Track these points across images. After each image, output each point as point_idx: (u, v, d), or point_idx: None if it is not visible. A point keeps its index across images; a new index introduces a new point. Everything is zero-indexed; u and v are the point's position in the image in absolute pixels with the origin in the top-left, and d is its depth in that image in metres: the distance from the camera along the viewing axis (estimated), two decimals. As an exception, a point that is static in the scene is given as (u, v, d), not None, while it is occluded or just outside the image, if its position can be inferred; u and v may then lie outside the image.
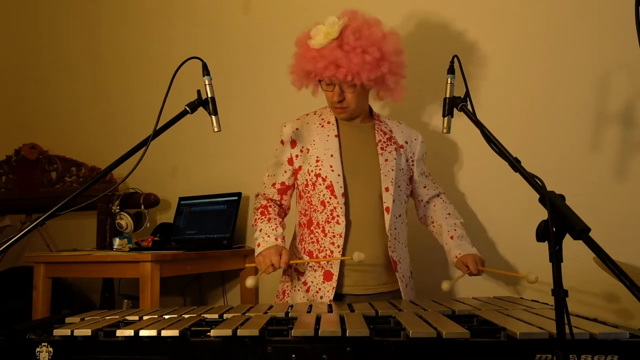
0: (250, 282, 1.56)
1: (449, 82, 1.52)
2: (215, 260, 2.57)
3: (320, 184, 1.78)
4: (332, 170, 1.77)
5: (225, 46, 2.90)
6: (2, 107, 3.62)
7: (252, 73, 2.85)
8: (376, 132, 1.86)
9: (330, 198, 1.76)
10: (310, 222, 1.81)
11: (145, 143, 1.40)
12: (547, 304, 1.46)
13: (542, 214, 0.96)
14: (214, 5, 2.99)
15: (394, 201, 1.78)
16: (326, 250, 1.75)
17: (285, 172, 1.87)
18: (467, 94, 1.47)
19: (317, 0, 2.66)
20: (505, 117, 2.25)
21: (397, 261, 1.80)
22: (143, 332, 1.17)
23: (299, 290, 1.81)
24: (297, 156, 1.84)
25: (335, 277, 1.73)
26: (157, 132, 1.43)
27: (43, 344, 1.19)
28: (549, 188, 1.04)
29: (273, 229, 1.79)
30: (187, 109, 1.49)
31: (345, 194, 1.76)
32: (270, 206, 1.88)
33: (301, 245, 1.84)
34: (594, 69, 2.13)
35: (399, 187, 1.82)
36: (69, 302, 2.82)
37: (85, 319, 1.39)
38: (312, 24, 1.75)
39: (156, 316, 1.37)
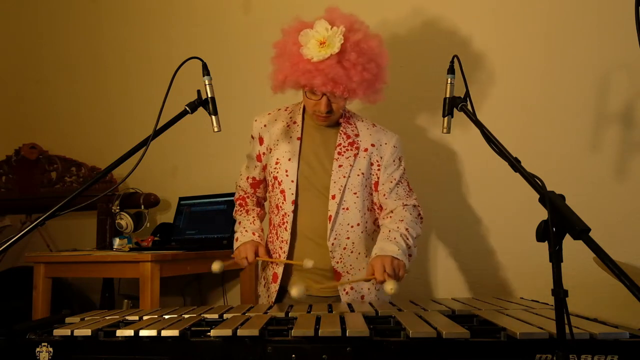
0: (215, 266, 1.62)
1: (448, 82, 1.51)
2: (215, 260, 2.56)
3: (277, 187, 1.77)
4: (287, 176, 1.74)
5: (225, 46, 2.90)
6: (2, 107, 3.62)
7: (252, 73, 2.84)
8: (339, 135, 1.77)
9: (283, 203, 1.75)
10: (270, 221, 1.85)
11: (145, 143, 1.40)
12: (547, 304, 1.46)
13: (542, 214, 0.96)
14: (214, 5, 2.99)
15: (346, 209, 1.71)
16: (276, 252, 1.78)
17: (256, 167, 1.87)
18: (467, 94, 1.47)
19: (317, 0, 2.66)
20: (505, 117, 2.25)
21: (342, 273, 1.72)
22: (143, 332, 1.17)
23: (263, 284, 1.87)
24: (263, 154, 1.83)
25: (278, 280, 1.76)
26: (157, 132, 1.43)
27: (43, 344, 1.19)
28: (549, 188, 1.04)
29: (250, 222, 1.83)
30: (187, 109, 1.49)
31: (296, 202, 1.74)
32: (248, 197, 1.92)
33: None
34: (594, 69, 2.13)
35: (355, 194, 1.72)
36: (69, 302, 2.82)
37: (85, 319, 1.39)
38: (297, 23, 1.68)
39: (156, 316, 1.37)
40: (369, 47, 1.62)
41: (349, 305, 1.50)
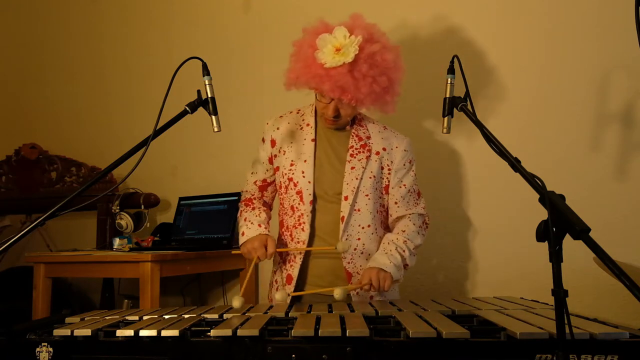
0: (237, 303, 1.43)
1: (448, 82, 1.51)
2: (215, 260, 2.57)
3: (291, 189, 1.77)
4: (304, 177, 1.75)
5: (225, 46, 2.90)
6: (2, 107, 3.62)
7: (252, 73, 2.85)
8: (351, 137, 1.79)
9: (299, 204, 1.75)
10: (282, 223, 1.83)
11: (145, 143, 1.40)
12: (547, 304, 1.46)
13: (542, 214, 0.96)
14: (214, 5, 2.99)
15: (358, 210, 1.73)
16: (291, 254, 1.77)
17: (267, 170, 1.86)
18: (467, 94, 1.47)
19: (317, 0, 2.67)
20: (505, 117, 2.25)
21: (353, 273, 1.73)
22: (143, 332, 1.17)
23: (272, 285, 1.86)
24: (275, 156, 1.83)
25: (293, 282, 1.74)
26: (157, 132, 1.43)
27: (43, 344, 1.19)
28: (549, 188, 1.04)
29: (256, 215, 1.78)
30: (187, 109, 1.49)
31: (313, 202, 1.74)
32: (255, 199, 1.88)
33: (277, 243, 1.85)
34: (594, 69, 2.13)
35: (366, 196, 1.75)
36: (69, 302, 2.82)
37: (85, 319, 1.39)
38: (313, 22, 1.69)
39: (156, 316, 1.37)
40: (383, 60, 1.63)
41: (349, 305, 1.50)
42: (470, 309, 1.36)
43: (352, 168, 1.75)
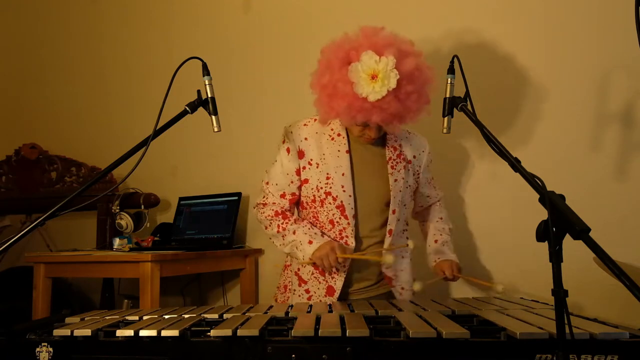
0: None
1: (448, 82, 1.51)
2: (215, 260, 2.57)
3: (330, 203, 1.71)
4: (344, 191, 1.70)
5: (225, 46, 2.90)
6: (2, 107, 3.62)
7: (252, 73, 2.85)
8: (387, 148, 1.77)
9: (340, 218, 1.71)
10: None
11: (145, 143, 1.40)
12: (547, 304, 1.46)
13: (542, 214, 0.96)
14: (214, 5, 2.99)
15: (398, 220, 1.76)
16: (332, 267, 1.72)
17: (293, 182, 1.78)
18: (467, 94, 1.47)
19: (317, 0, 2.67)
20: (505, 117, 2.24)
21: (392, 277, 1.79)
22: (143, 332, 1.17)
23: (299, 295, 1.79)
24: (304, 168, 1.75)
25: (336, 294, 1.72)
26: (157, 132, 1.43)
27: (43, 344, 1.19)
28: (549, 188, 1.04)
29: (310, 227, 1.73)
30: (187, 109, 1.49)
31: (356, 216, 1.72)
32: (288, 210, 1.80)
33: None
34: (594, 69, 2.13)
35: (404, 205, 1.80)
36: (69, 302, 2.82)
37: (85, 319, 1.39)
38: (335, 48, 1.61)
39: (156, 316, 1.37)
40: (420, 74, 1.60)
41: (349, 305, 1.50)
42: (470, 309, 1.37)
43: (395, 180, 1.75)
